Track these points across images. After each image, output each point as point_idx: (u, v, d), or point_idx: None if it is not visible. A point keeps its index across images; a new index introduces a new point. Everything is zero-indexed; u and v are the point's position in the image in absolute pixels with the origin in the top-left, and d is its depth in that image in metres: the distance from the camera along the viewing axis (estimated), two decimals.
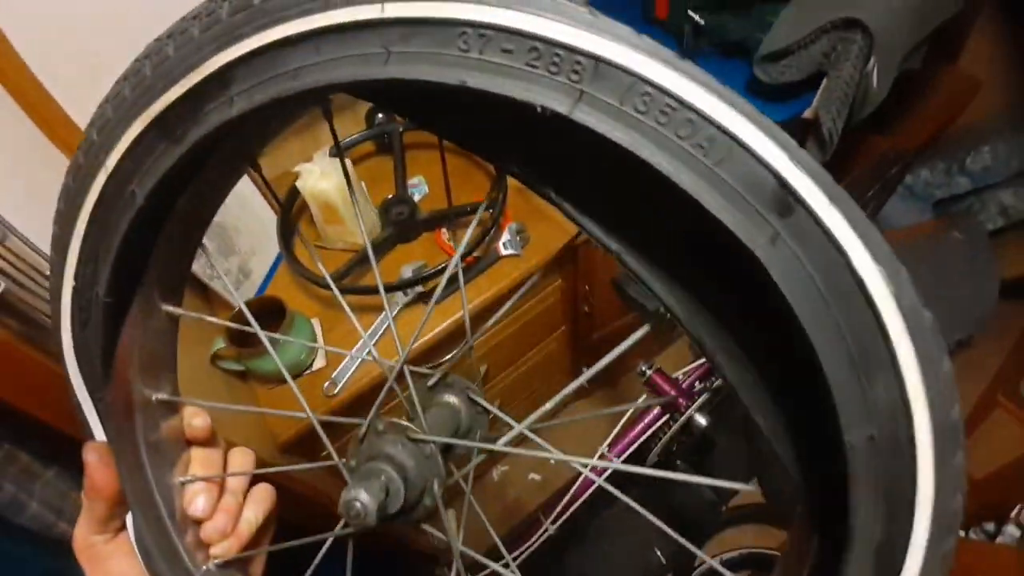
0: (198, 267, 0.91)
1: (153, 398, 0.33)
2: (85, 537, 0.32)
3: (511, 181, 1.05)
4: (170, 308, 0.34)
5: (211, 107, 0.22)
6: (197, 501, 0.33)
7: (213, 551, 0.34)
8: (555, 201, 0.22)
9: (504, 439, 0.36)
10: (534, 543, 1.02)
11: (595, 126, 0.18)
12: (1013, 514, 1.28)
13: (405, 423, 0.32)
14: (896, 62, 1.17)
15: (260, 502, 0.37)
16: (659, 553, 1.57)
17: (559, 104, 0.18)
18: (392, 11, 0.18)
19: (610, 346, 1.69)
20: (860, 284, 0.18)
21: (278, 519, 0.40)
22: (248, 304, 0.87)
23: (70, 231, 0.26)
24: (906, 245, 1.77)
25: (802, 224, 0.18)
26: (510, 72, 0.18)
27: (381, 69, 0.19)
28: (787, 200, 0.18)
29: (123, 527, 0.32)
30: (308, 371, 0.91)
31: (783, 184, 0.18)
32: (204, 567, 0.33)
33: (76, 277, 0.27)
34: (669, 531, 0.30)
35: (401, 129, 1.11)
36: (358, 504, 0.26)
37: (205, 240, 0.97)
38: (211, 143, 0.23)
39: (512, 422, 0.36)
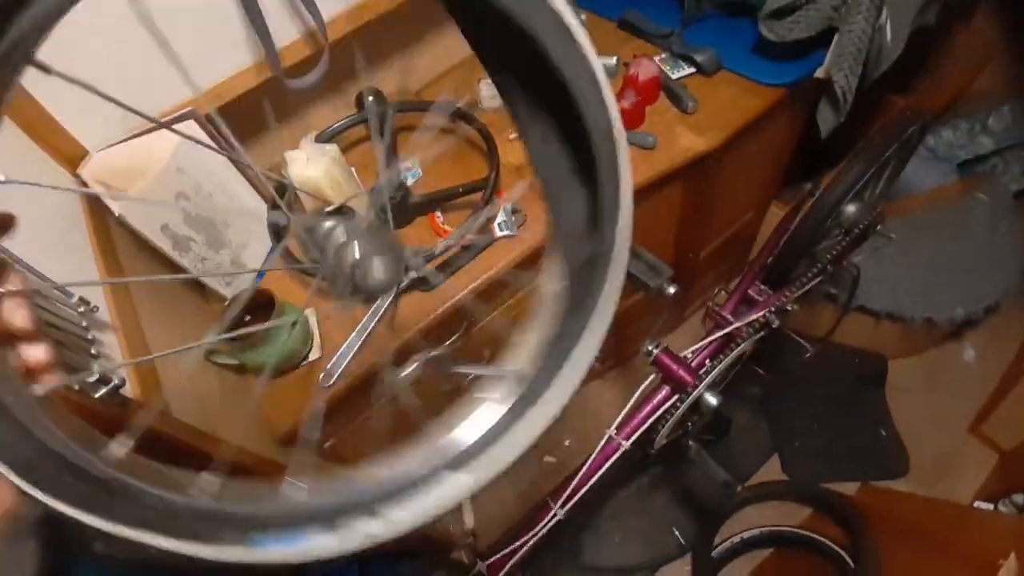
0: (188, 261, 0.90)
1: None
2: None
3: (504, 160, 1.01)
4: None
5: None
6: (20, 312, 0.30)
7: (44, 380, 0.31)
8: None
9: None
10: (542, 529, 1.00)
11: None
12: None
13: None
14: (910, 16, 1.10)
15: None
16: (677, 534, 1.55)
17: None
18: None
19: (620, 325, 1.66)
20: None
21: None
22: (237, 298, 0.86)
23: None
24: (930, 209, 1.70)
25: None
26: None
27: None
28: None
29: None
30: (304, 363, 0.89)
31: None
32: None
33: None
34: None
35: (391, 112, 1.08)
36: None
37: (193, 233, 0.94)
38: None
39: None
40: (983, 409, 1.65)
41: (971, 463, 1.58)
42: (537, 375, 0.42)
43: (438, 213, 1.03)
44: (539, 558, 1.52)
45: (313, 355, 0.90)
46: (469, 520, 1.63)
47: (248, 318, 0.84)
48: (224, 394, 0.82)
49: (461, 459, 0.40)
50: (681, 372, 0.91)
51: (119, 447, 0.30)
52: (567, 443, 1.71)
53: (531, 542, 1.02)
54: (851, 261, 1.32)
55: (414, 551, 1.52)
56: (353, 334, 0.90)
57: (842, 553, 1.35)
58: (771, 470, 1.65)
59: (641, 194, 1.07)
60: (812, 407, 1.70)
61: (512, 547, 1.02)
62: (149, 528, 0.29)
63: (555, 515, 1.00)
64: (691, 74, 1.17)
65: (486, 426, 0.41)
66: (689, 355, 0.99)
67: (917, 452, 1.61)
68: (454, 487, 0.39)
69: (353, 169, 1.04)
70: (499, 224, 0.98)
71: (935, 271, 1.61)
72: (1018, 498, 1.29)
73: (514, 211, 0.99)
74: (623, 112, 1.10)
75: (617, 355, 1.75)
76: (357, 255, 0.35)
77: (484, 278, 0.96)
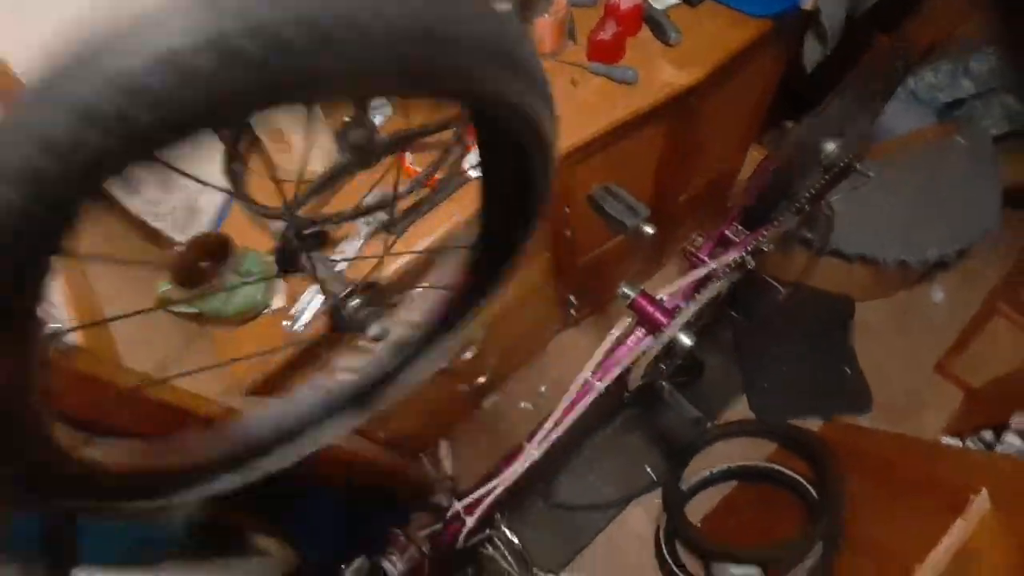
0: (139, 205, 0.84)
1: None
2: None
3: None
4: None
5: None
6: None
7: None
8: None
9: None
10: (517, 469, 1.01)
11: None
12: (1014, 423, 1.26)
13: None
14: None
15: None
16: (649, 470, 1.60)
17: None
18: None
19: (597, 272, 1.64)
20: None
21: None
22: (191, 243, 0.81)
23: None
24: (908, 152, 1.69)
25: None
26: None
27: None
28: None
29: None
30: (267, 311, 0.86)
31: None
32: None
33: None
34: None
35: None
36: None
37: (143, 172, 0.89)
38: None
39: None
40: (951, 348, 1.70)
41: (936, 401, 1.65)
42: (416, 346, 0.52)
43: (408, 153, 0.98)
44: (516, 497, 1.57)
45: (276, 303, 0.86)
46: (448, 466, 1.66)
47: (205, 264, 0.80)
48: (183, 343, 0.79)
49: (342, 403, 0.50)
50: (656, 314, 0.90)
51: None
52: (543, 389, 1.73)
53: (506, 482, 1.04)
54: (827, 204, 1.31)
55: (396, 496, 1.55)
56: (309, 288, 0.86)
57: (806, 484, 1.41)
58: (740, 409, 1.70)
59: (620, 132, 1.03)
60: (781, 349, 1.74)
61: (488, 487, 1.03)
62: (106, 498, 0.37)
63: (529, 455, 1.01)
64: (675, 4, 1.10)
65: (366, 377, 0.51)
66: (665, 297, 0.98)
67: (883, 390, 1.67)
68: (334, 427, 0.50)
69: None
70: (471, 165, 0.94)
71: (910, 214, 1.62)
72: (987, 434, 1.33)
73: None
74: (602, 44, 1.04)
75: (594, 303, 1.75)
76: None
77: (456, 220, 0.93)
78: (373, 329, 0.43)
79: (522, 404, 1.73)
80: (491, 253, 0.45)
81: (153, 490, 0.44)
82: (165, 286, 0.77)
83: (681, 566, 1.48)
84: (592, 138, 0.99)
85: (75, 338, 0.55)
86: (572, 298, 1.54)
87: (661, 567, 1.53)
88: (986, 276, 1.81)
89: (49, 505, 0.36)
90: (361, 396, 0.51)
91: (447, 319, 0.51)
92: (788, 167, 0.94)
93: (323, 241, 0.45)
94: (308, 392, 0.51)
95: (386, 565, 1.01)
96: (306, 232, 0.43)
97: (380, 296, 0.44)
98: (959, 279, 1.83)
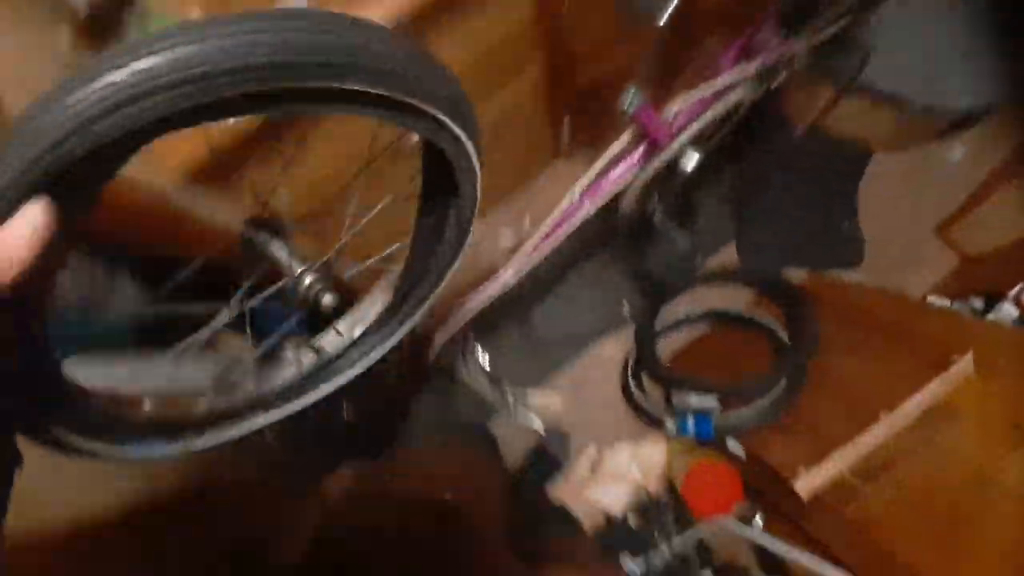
0: None
1: None
2: None
3: None
4: None
5: None
6: None
7: None
8: None
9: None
10: (490, 293, 0.97)
11: None
12: (1013, 292, 1.22)
13: None
14: None
15: None
16: (625, 307, 1.61)
17: None
18: None
19: (598, 92, 1.46)
20: None
21: None
22: None
23: None
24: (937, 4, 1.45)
25: None
26: None
27: None
28: None
29: None
30: None
31: None
32: None
33: None
34: None
35: None
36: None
37: None
38: None
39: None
40: (957, 212, 1.63)
41: (930, 263, 1.61)
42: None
43: None
44: (491, 321, 1.57)
45: None
46: None
47: (113, 11, 0.64)
48: None
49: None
50: (659, 125, 0.79)
51: None
52: (527, 220, 1.65)
53: (477, 306, 1.01)
54: (863, 36, 1.13)
55: None
56: None
57: (778, 331, 1.42)
58: (727, 259, 1.66)
59: None
60: (783, 197, 1.65)
61: (459, 310, 1.01)
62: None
63: (503, 280, 0.96)
64: None
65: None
66: (674, 110, 0.85)
67: (878, 248, 1.62)
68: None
69: None
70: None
71: (948, 55, 1.44)
72: (976, 301, 1.31)
73: None
74: None
75: (594, 130, 1.59)
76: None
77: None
78: (327, 299, 0.47)
79: (504, 235, 1.66)
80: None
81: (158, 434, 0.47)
82: (66, 37, 0.62)
83: (645, 395, 1.55)
84: None
85: None
86: (567, 121, 1.39)
87: (625, 396, 1.61)
88: (1009, 139, 1.67)
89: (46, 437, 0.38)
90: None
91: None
92: None
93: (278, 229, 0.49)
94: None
95: None
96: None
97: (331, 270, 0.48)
98: (981, 139, 1.69)
